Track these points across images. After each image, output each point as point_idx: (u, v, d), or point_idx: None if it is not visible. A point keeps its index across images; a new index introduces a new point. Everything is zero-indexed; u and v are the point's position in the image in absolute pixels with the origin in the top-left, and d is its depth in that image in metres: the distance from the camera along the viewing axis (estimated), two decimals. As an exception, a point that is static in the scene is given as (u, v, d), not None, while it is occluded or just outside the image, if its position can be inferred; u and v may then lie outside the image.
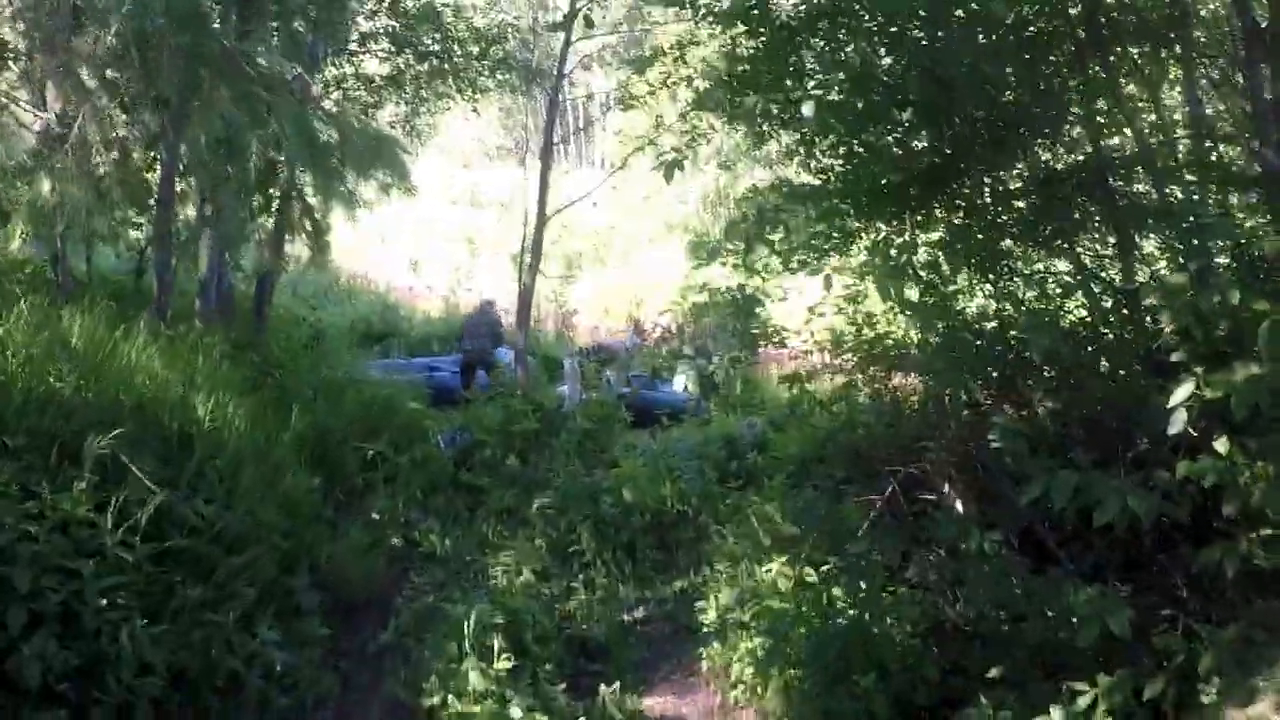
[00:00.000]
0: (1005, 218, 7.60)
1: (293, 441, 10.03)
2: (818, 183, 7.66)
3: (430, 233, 37.72)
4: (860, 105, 6.79)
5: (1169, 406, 4.89)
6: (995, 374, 7.13)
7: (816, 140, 7.57)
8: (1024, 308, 7.31)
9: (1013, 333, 7.10)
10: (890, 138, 7.01)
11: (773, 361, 19.75)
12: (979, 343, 6.99)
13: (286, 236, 14.56)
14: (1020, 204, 7.61)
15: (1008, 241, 7.64)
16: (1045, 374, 6.82)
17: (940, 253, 7.44)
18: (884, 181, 7.18)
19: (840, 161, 7.62)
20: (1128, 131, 7.64)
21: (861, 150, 7.21)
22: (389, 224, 36.72)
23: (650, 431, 14.49)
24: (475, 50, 17.36)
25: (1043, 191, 7.30)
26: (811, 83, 6.81)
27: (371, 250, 34.91)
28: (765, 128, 7.68)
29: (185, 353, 9.59)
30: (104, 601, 6.12)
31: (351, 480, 10.88)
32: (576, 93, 35.53)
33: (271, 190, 13.78)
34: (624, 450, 12.85)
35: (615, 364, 16.53)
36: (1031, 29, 7.07)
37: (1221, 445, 4.95)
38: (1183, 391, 4.82)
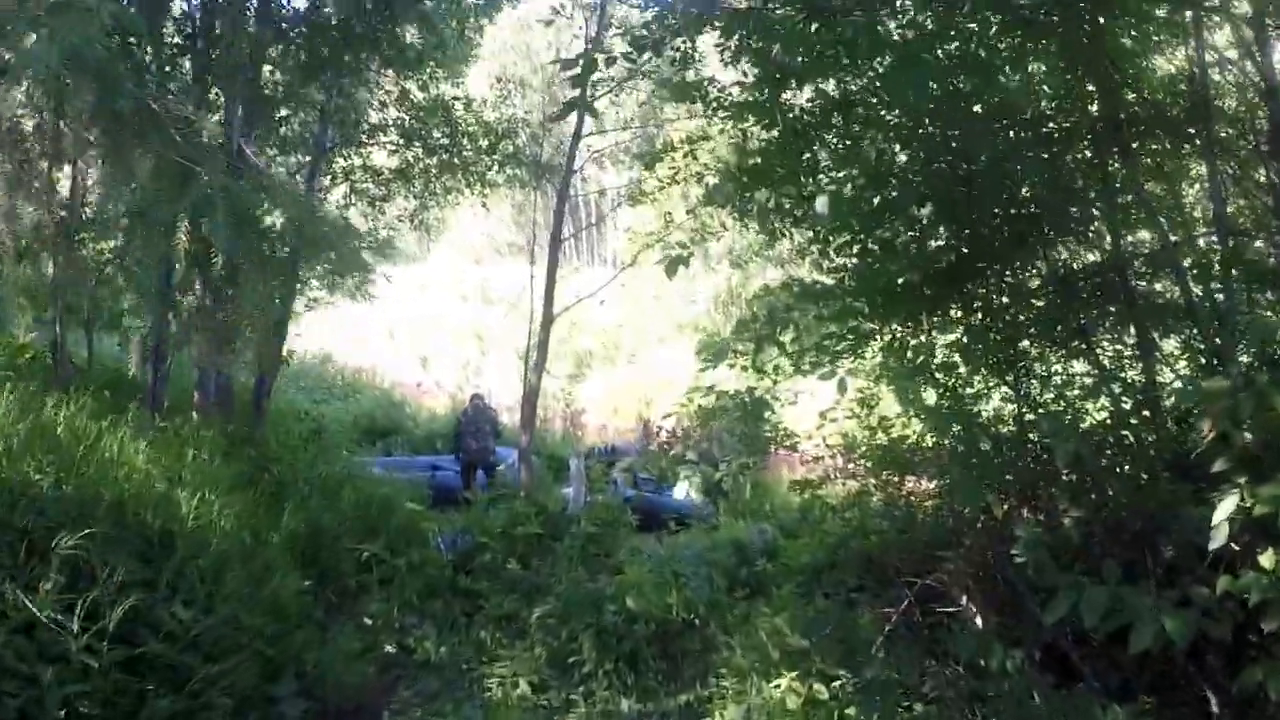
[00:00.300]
0: (1023, 318, 7.34)
1: (284, 540, 9.69)
2: (831, 281, 7.35)
3: (440, 329, 37.66)
4: (876, 200, 6.54)
5: (1213, 523, 4.54)
6: (1014, 480, 6.78)
7: (831, 238, 7.30)
8: (1043, 411, 7.01)
9: (1032, 437, 6.78)
10: (907, 234, 6.70)
11: (784, 465, 19.40)
12: (998, 448, 6.66)
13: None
14: (1038, 303, 7.35)
15: (1025, 343, 7.38)
16: (1067, 480, 6.48)
17: (957, 354, 7.17)
18: (900, 280, 6.90)
19: (855, 259, 7.33)
20: (1146, 231, 7.42)
21: (876, 248, 6.91)
22: (399, 319, 36.79)
23: (657, 536, 14.11)
24: (484, 144, 17.26)
25: (1061, 291, 7.05)
26: (825, 179, 6.58)
27: (380, 346, 34.93)
28: (777, 224, 7.41)
29: (175, 446, 9.28)
30: (64, 711, 5.75)
31: (345, 582, 10.50)
32: (588, 188, 35.54)
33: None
34: (630, 555, 12.45)
35: (622, 465, 16.18)
36: (1050, 125, 6.86)
37: (1268, 560, 4.60)
38: (1227, 505, 4.48)
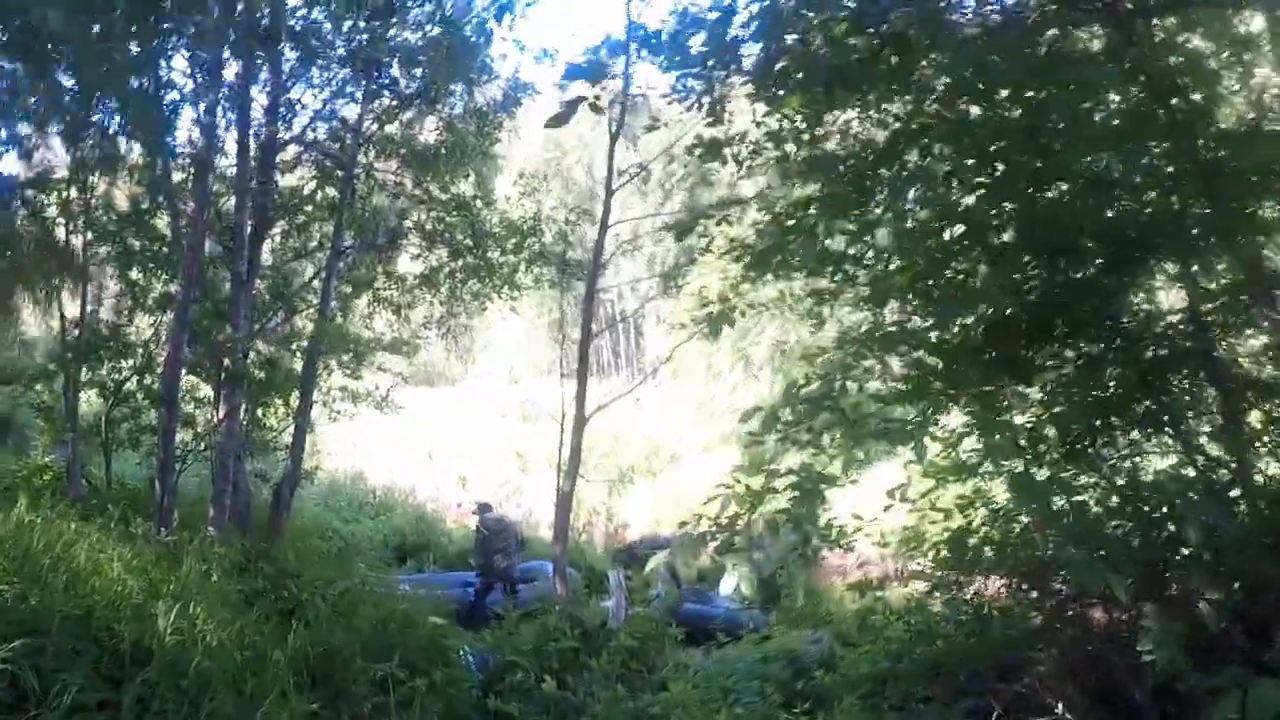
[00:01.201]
0: (1096, 394, 6.41)
1: (291, 660, 8.72)
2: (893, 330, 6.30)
3: (479, 448, 36.93)
4: (945, 233, 5.61)
5: None
6: (1134, 559, 5.71)
7: (894, 280, 6.23)
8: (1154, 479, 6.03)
9: (1164, 509, 5.75)
10: (985, 269, 5.68)
11: (836, 570, 18.39)
12: (1109, 521, 5.63)
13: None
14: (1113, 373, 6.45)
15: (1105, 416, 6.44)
16: (1198, 557, 5.42)
17: (1043, 418, 6.22)
18: (980, 327, 5.92)
19: (921, 310, 6.30)
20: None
21: (946, 283, 5.87)
22: (438, 440, 36.19)
23: (705, 649, 13.05)
24: (511, 243, 16.53)
25: (1139, 366, 6.14)
26: (885, 209, 5.68)
27: (420, 466, 34.35)
28: (824, 276, 6.38)
29: (167, 560, 8.46)
30: None
31: (359, 705, 9.45)
32: (619, 279, 34.90)
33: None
34: (674, 670, 11.47)
35: (655, 560, 15.09)
36: (1136, 177, 5.95)
37: None
38: None
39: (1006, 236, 5.51)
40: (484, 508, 17.24)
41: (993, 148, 5.33)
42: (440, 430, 40.76)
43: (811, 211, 4.87)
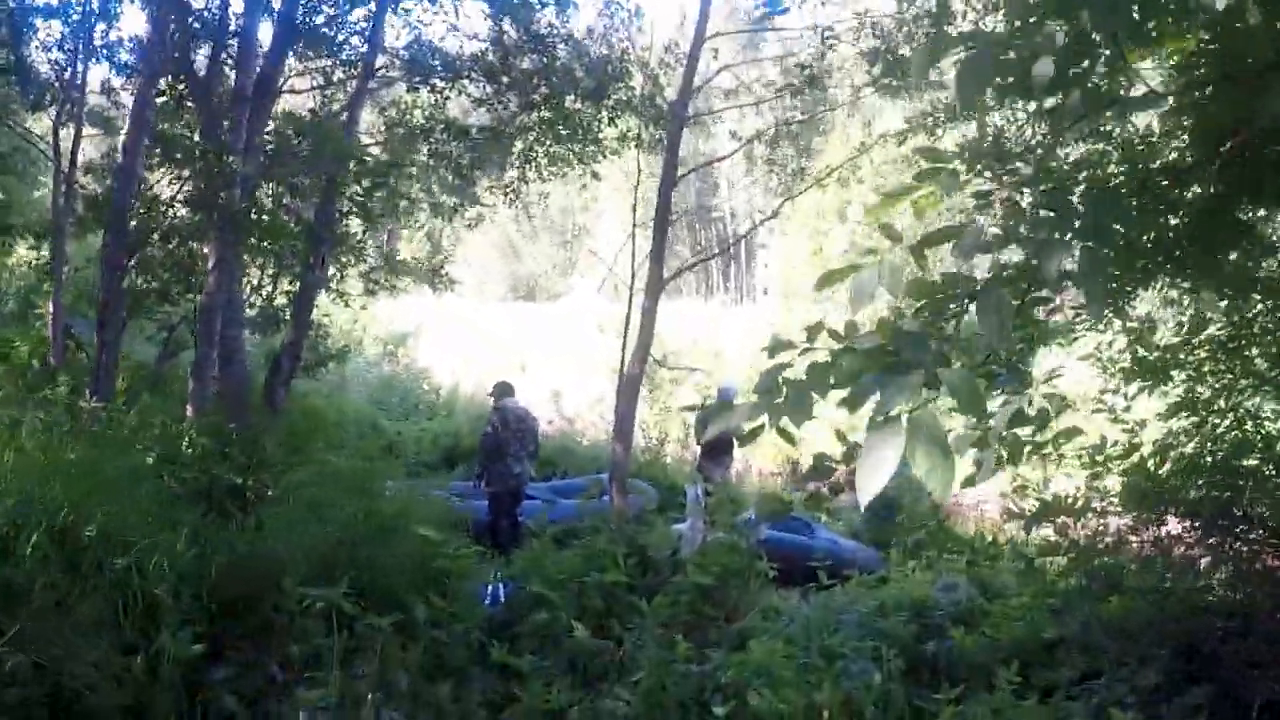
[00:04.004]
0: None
1: (185, 579, 5.96)
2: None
3: (577, 361, 34.54)
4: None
5: None
6: None
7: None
8: None
9: None
10: None
11: (969, 508, 15.56)
12: None
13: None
14: None
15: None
16: None
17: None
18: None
19: None
20: None
21: None
22: (532, 352, 34.12)
23: (803, 591, 10.05)
24: (591, 85, 13.45)
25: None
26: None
27: (511, 378, 32.33)
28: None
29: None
30: None
31: (285, 647, 6.49)
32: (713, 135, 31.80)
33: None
34: (759, 620, 8.49)
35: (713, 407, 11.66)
36: None
37: None
38: None
39: None
40: (504, 389, 13.14)
41: None
42: (536, 343, 38.52)
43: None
